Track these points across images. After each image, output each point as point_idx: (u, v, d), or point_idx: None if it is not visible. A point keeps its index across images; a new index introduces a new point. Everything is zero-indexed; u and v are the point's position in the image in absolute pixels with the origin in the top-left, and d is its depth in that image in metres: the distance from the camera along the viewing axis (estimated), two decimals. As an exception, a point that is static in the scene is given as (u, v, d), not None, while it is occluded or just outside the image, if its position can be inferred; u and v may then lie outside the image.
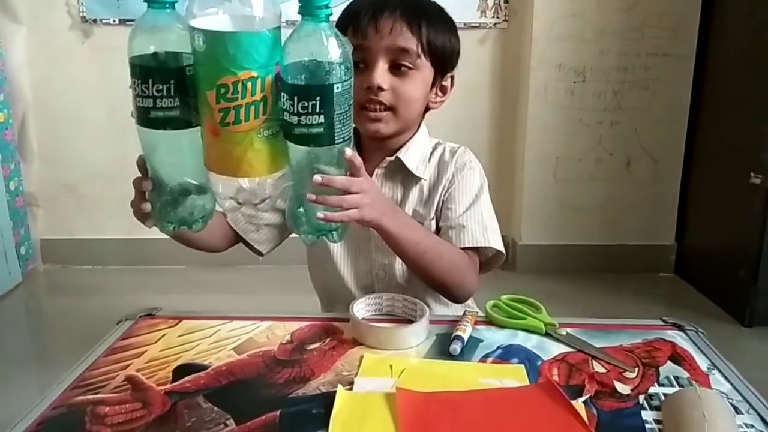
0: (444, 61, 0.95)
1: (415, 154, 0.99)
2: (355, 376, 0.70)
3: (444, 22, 0.96)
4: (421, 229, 0.92)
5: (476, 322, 0.82)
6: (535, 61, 2.32)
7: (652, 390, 0.68)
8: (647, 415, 0.64)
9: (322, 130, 0.66)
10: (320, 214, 0.71)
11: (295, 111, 0.65)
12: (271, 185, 0.71)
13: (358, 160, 0.73)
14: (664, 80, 2.33)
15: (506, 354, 0.76)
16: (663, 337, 0.80)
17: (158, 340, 0.79)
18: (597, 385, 0.69)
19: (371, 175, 0.98)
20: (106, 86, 2.42)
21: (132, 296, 2.19)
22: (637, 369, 0.72)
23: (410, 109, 0.94)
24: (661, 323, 0.85)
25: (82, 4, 2.36)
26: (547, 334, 0.80)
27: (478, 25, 2.41)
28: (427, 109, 1.00)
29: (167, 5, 0.66)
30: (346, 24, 0.92)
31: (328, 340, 0.79)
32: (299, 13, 0.65)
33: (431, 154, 1.01)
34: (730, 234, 2.17)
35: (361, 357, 0.73)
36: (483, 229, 0.96)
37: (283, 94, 0.66)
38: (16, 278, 2.35)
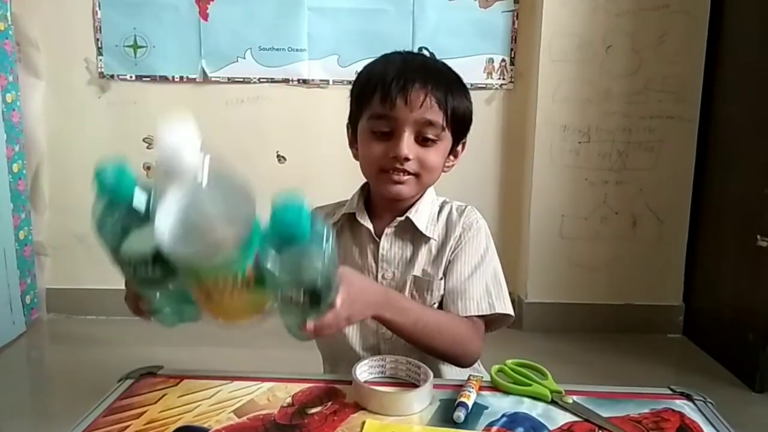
0: (462, 128, 0.98)
1: (423, 214, 1.00)
2: (358, 443, 0.68)
3: (464, 90, 0.98)
4: (418, 307, 0.93)
5: (481, 387, 0.80)
6: (541, 122, 2.36)
7: (660, 463, 0.66)
8: (655, 488, 0.62)
9: (300, 315, 0.69)
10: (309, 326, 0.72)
11: (277, 299, 0.67)
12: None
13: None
14: (668, 142, 2.36)
15: (511, 422, 0.74)
16: (671, 407, 0.78)
17: (158, 400, 0.78)
18: (604, 457, 0.67)
19: (381, 235, 1.00)
20: (119, 139, 2.48)
21: (136, 348, 2.17)
22: (645, 440, 0.71)
23: (432, 175, 0.97)
24: (669, 392, 0.83)
25: (100, 60, 2.45)
26: (554, 402, 0.78)
27: (484, 86, 2.47)
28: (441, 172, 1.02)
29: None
30: (374, 88, 0.94)
31: (329, 403, 0.77)
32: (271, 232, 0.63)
33: (439, 213, 1.03)
34: (739, 296, 2.14)
35: (363, 423, 0.72)
36: (488, 295, 0.97)
37: (261, 279, 0.65)
38: (20, 327, 2.33)
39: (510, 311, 0.98)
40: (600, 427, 0.73)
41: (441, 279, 0.99)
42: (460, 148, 1.02)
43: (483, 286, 0.97)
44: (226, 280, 0.63)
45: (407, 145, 0.91)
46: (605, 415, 0.75)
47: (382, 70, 0.95)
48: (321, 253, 0.64)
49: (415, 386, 0.79)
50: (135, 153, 2.49)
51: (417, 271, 0.99)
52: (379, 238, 1.00)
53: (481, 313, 0.95)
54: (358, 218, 1.01)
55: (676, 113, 2.34)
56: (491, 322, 0.99)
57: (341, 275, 0.74)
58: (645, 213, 2.41)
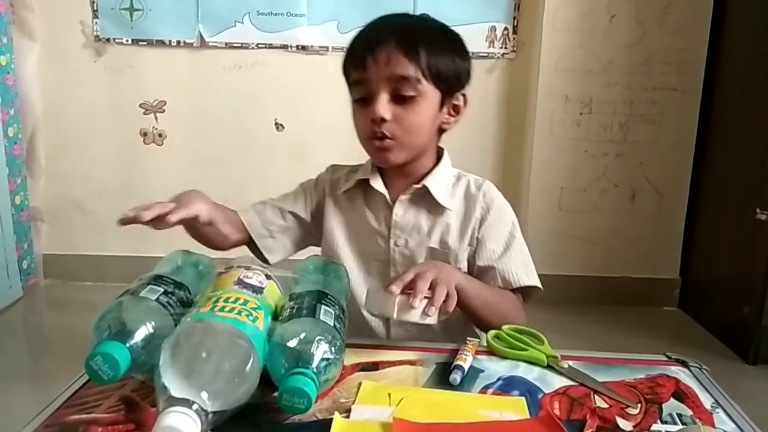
0: (450, 82, 0.94)
1: (440, 184, 0.99)
2: (353, 403, 0.68)
3: (446, 42, 0.94)
4: (474, 279, 0.94)
5: (477, 352, 0.80)
6: (542, 92, 2.34)
7: (654, 427, 0.66)
8: (650, 452, 0.62)
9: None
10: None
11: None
12: None
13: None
14: (670, 114, 2.35)
15: (507, 386, 0.74)
16: (666, 373, 0.78)
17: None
18: (599, 421, 0.67)
19: (395, 202, 0.99)
20: (115, 104, 2.45)
21: (132, 314, 2.19)
22: (639, 405, 0.71)
23: (416, 137, 0.93)
24: (665, 359, 0.83)
25: (96, 23, 2.40)
26: (549, 367, 0.78)
27: (486, 55, 2.44)
28: (441, 130, 0.99)
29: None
30: (349, 59, 0.94)
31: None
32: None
33: (455, 185, 1.02)
34: (735, 270, 2.15)
35: (359, 384, 0.72)
36: (525, 268, 0.98)
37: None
38: (16, 292, 2.34)
39: (540, 285, 1.00)
40: (595, 391, 0.73)
41: (466, 251, 0.99)
42: (460, 102, 0.98)
43: (519, 260, 0.98)
44: None
45: (382, 105, 0.89)
46: (600, 379, 0.75)
47: (357, 37, 0.94)
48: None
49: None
50: (131, 118, 2.47)
51: (434, 242, 0.98)
52: (394, 204, 0.99)
53: (522, 284, 0.97)
54: (372, 184, 0.99)
55: (678, 85, 2.33)
56: (525, 295, 1.00)
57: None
58: (644, 186, 2.40)
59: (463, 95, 0.99)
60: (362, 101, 0.93)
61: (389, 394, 0.70)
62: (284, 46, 2.40)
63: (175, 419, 0.56)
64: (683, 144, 2.37)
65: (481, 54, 2.43)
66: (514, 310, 0.96)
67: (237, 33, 2.41)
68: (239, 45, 2.42)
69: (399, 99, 0.90)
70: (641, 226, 2.43)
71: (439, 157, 1.02)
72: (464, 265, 0.99)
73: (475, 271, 0.99)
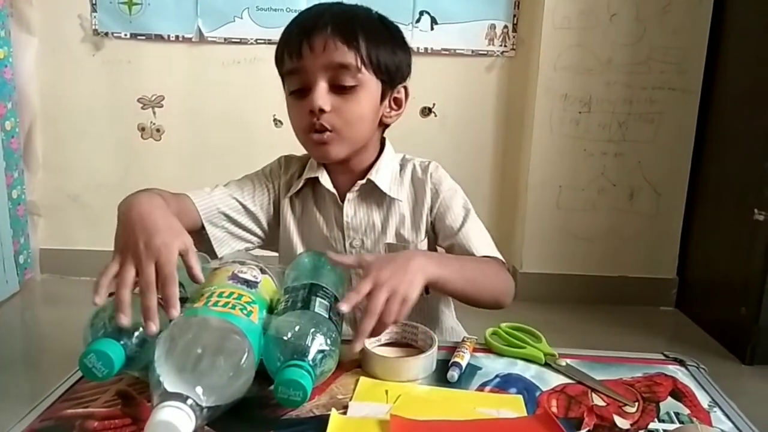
0: (390, 73, 0.90)
1: (385, 175, 0.95)
2: (350, 399, 0.68)
3: (385, 32, 0.91)
4: (451, 256, 0.91)
5: (475, 349, 0.80)
6: (541, 90, 2.34)
7: (652, 426, 0.66)
8: (647, 451, 0.62)
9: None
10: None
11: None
12: None
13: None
14: (669, 114, 2.34)
15: (504, 383, 0.74)
16: (664, 372, 0.78)
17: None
18: (596, 419, 0.67)
19: (344, 201, 0.96)
20: (113, 99, 2.44)
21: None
22: (637, 403, 0.71)
23: (357, 129, 0.89)
24: (663, 358, 0.83)
25: (94, 17, 2.39)
26: (547, 365, 0.78)
27: (485, 52, 2.43)
28: (383, 125, 0.96)
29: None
30: (282, 48, 0.89)
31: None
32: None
33: (401, 172, 0.98)
34: (733, 270, 2.15)
35: (357, 380, 0.72)
36: (484, 241, 0.95)
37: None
38: (12, 287, 2.33)
39: (500, 256, 0.95)
40: (593, 390, 0.73)
41: (423, 241, 0.96)
42: (401, 95, 0.94)
43: (476, 234, 0.95)
44: None
45: (320, 95, 0.84)
46: (598, 378, 0.75)
47: (291, 24, 0.90)
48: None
49: (417, 350, 0.78)
50: (129, 113, 2.46)
51: (390, 237, 0.96)
52: (343, 202, 0.96)
53: (495, 255, 0.93)
54: (321, 181, 0.95)
55: (678, 85, 2.32)
56: None
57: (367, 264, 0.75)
58: (643, 185, 2.40)
59: (405, 88, 0.95)
60: (298, 93, 0.88)
61: (386, 392, 0.70)
62: (283, 42, 2.39)
63: (169, 414, 0.55)
64: (682, 144, 2.37)
65: (480, 52, 2.42)
66: (500, 277, 0.91)
67: (236, 28, 2.40)
68: (238, 40, 2.41)
69: (338, 89, 0.86)
70: (639, 226, 2.43)
71: (381, 147, 0.98)
72: None
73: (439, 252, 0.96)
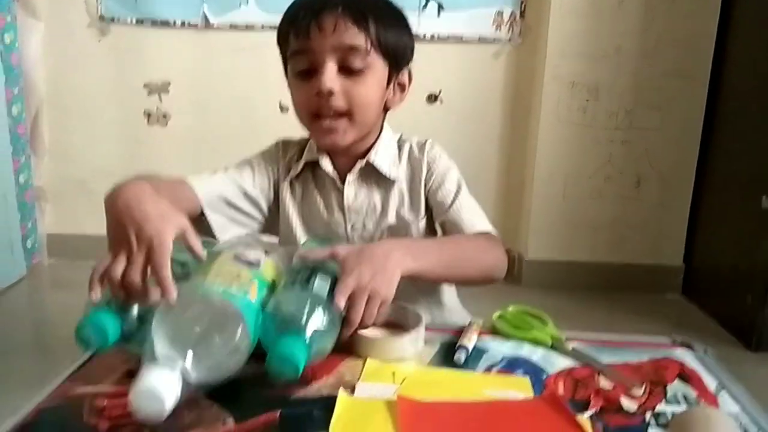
0: (397, 56, 0.89)
1: (385, 156, 0.95)
2: (358, 380, 0.68)
3: (393, 15, 0.90)
4: (430, 242, 0.90)
5: (481, 332, 0.80)
6: (549, 78, 2.32)
7: (659, 408, 0.66)
8: (654, 432, 0.62)
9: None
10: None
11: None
12: None
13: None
14: (677, 101, 2.32)
15: (511, 366, 0.74)
16: (671, 356, 0.78)
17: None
18: (603, 401, 0.67)
19: (344, 183, 0.95)
20: (119, 84, 2.44)
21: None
22: (644, 386, 0.71)
23: (367, 113, 0.88)
24: (670, 341, 0.83)
25: (100, 2, 2.38)
26: (554, 348, 0.78)
27: (492, 39, 2.41)
28: (386, 108, 0.95)
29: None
30: (287, 26, 0.87)
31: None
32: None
33: (399, 152, 0.97)
34: (739, 258, 2.14)
35: (364, 361, 0.72)
36: (478, 216, 0.94)
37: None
38: (20, 271, 2.35)
39: (494, 231, 0.95)
40: (599, 372, 0.73)
41: (422, 219, 0.96)
42: (405, 79, 0.93)
43: (469, 209, 0.94)
44: None
45: (329, 77, 0.83)
46: (605, 361, 0.75)
47: (296, 5, 0.88)
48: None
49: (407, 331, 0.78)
50: (135, 99, 2.46)
51: (390, 218, 0.95)
52: (344, 184, 0.95)
53: (473, 231, 0.92)
54: (322, 165, 0.94)
55: (686, 72, 2.30)
56: None
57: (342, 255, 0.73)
58: (650, 173, 2.39)
59: (409, 72, 0.94)
60: (304, 74, 0.86)
61: (393, 373, 0.70)
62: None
63: (155, 378, 0.56)
64: (690, 131, 2.35)
65: (487, 39, 2.40)
66: (489, 253, 0.89)
67: (242, 14, 2.39)
68: (244, 26, 2.40)
69: (346, 71, 0.84)
70: (646, 213, 2.42)
71: (380, 129, 0.97)
72: (421, 234, 0.96)
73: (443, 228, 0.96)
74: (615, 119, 2.34)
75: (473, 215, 0.94)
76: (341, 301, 0.69)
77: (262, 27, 2.38)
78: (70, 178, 2.52)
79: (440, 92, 2.46)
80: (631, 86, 2.31)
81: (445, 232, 0.96)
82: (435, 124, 2.40)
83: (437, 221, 0.97)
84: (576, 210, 2.42)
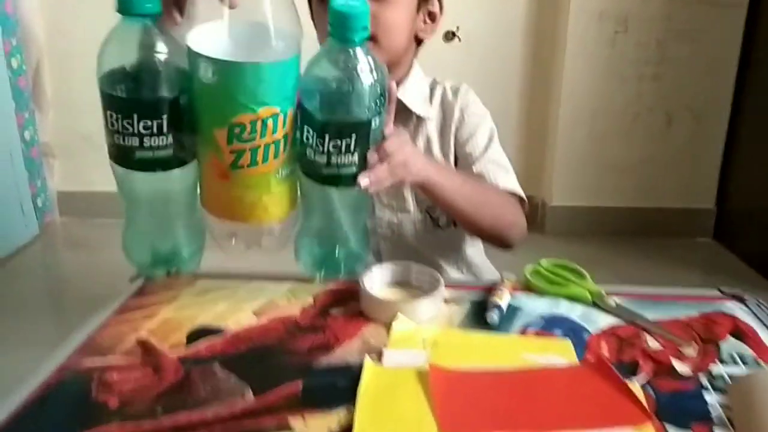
0: None
1: (414, 93, 0.91)
2: (384, 346, 0.63)
3: None
4: (456, 172, 0.86)
5: (514, 289, 0.75)
6: (575, 9, 2.19)
7: (713, 368, 0.61)
8: (711, 397, 0.56)
9: (354, 170, 0.60)
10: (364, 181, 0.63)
11: (325, 150, 0.58)
12: (283, 226, 0.65)
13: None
14: (711, 31, 2.19)
15: (549, 325, 0.69)
16: (722, 310, 0.72)
17: (173, 300, 0.73)
18: (652, 363, 0.62)
19: None
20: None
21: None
22: (695, 344, 0.65)
23: (395, 38, 0.84)
24: (719, 294, 0.77)
25: (95, -56, 2.26)
26: (594, 304, 0.72)
27: (512, -30, 2.27)
28: (418, 41, 0.91)
29: (148, 18, 0.54)
30: None
31: (352, 302, 0.72)
32: (330, 35, 0.57)
33: (431, 93, 0.93)
34: (775, 199, 2.07)
35: (389, 325, 0.67)
36: (504, 171, 0.90)
37: (307, 128, 0.58)
38: (33, 230, 2.33)
39: (524, 195, 0.91)
40: (646, 330, 0.67)
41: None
42: (436, 8, 0.89)
43: (495, 162, 0.90)
44: (266, 127, 0.56)
45: None
46: (650, 317, 0.69)
47: None
48: (369, 86, 0.58)
49: (419, 290, 0.74)
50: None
51: None
52: None
53: (513, 190, 0.89)
54: None
55: (722, -1, 2.16)
56: None
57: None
58: (681, 110, 2.29)
59: (440, 0, 0.90)
60: None
61: (423, 339, 0.65)
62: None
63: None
64: (724, 64, 2.23)
65: (507, -31, 2.26)
66: (508, 209, 0.87)
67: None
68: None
69: None
70: (676, 154, 2.33)
71: (410, 66, 0.93)
72: None
73: None
74: (645, 52, 2.22)
75: (499, 172, 0.90)
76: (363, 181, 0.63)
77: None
78: (76, 132, 2.46)
79: (458, 29, 2.33)
80: (663, 15, 2.18)
81: None
82: (453, 63, 2.29)
83: (465, 170, 0.92)
84: (603, 151, 2.34)
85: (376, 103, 0.59)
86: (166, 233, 0.66)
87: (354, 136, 0.58)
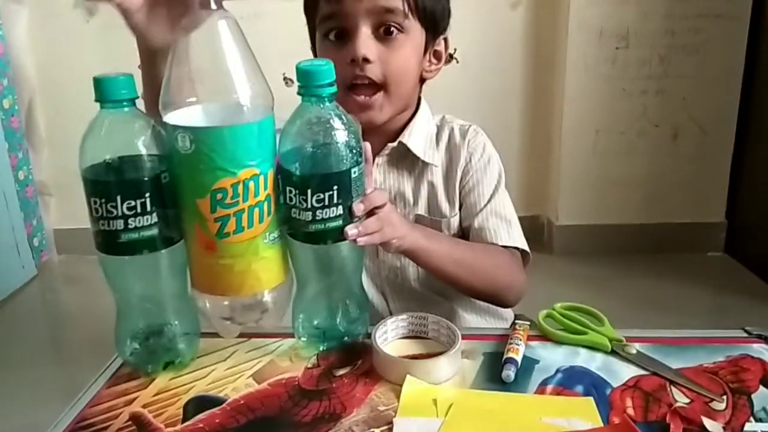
0: (435, 20, 0.83)
1: (419, 137, 0.87)
2: (394, 413, 0.59)
3: None
4: (444, 236, 0.84)
5: (529, 337, 0.70)
6: (574, 26, 2.17)
7: (748, 427, 0.56)
8: (747, 460, 0.52)
9: (341, 222, 0.59)
10: (358, 239, 0.63)
11: (309, 206, 0.58)
12: (276, 295, 0.64)
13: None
14: (715, 44, 2.17)
15: (568, 380, 0.64)
16: (749, 353, 0.68)
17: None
18: (681, 422, 0.57)
19: (372, 165, 0.87)
20: (113, 66, 2.31)
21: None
22: (725, 397, 0.61)
23: (404, 83, 0.82)
24: (744, 335, 0.72)
25: (84, -21, 2.26)
26: (614, 352, 0.68)
27: (509, -12, 2.26)
28: (422, 80, 0.88)
29: (125, 103, 0.56)
30: None
31: (359, 362, 0.68)
32: (299, 93, 0.60)
33: (438, 135, 0.90)
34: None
35: (400, 385, 0.63)
36: (507, 225, 0.86)
37: (288, 188, 0.58)
38: (30, 271, 2.31)
39: (527, 248, 0.88)
40: (671, 382, 0.63)
41: (455, 216, 0.88)
42: (441, 48, 0.87)
43: (499, 216, 0.87)
44: (247, 189, 0.57)
45: (364, 42, 0.77)
46: (675, 365, 0.65)
47: None
48: (346, 140, 0.60)
49: (432, 341, 0.70)
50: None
51: (421, 207, 0.88)
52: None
53: (497, 244, 0.85)
54: None
55: (724, 11, 2.14)
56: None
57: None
58: (687, 124, 2.26)
59: (445, 39, 0.88)
60: (335, 42, 0.80)
61: (435, 401, 0.61)
62: (287, -8, 2.24)
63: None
64: (730, 76, 2.21)
65: (503, -13, 2.24)
66: (504, 270, 0.84)
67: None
68: (240, -6, 2.26)
69: (382, 37, 0.78)
70: (684, 168, 2.30)
71: (417, 106, 0.90)
72: (455, 230, 0.90)
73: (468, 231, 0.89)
74: (648, 67, 2.20)
75: (501, 226, 0.86)
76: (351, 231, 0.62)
77: (260, -6, 2.24)
78: (71, 169, 2.42)
79: (455, 51, 2.31)
80: (665, 30, 2.16)
81: (466, 238, 0.89)
82: (451, 87, 2.26)
83: (462, 224, 0.89)
84: (609, 168, 2.31)
85: (352, 152, 0.60)
86: (158, 321, 0.64)
87: (336, 187, 0.59)
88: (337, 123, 0.59)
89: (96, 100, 0.57)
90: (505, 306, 0.87)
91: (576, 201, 2.35)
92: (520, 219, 0.91)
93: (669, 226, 2.34)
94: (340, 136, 0.59)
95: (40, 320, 2.15)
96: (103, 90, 0.57)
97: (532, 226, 2.32)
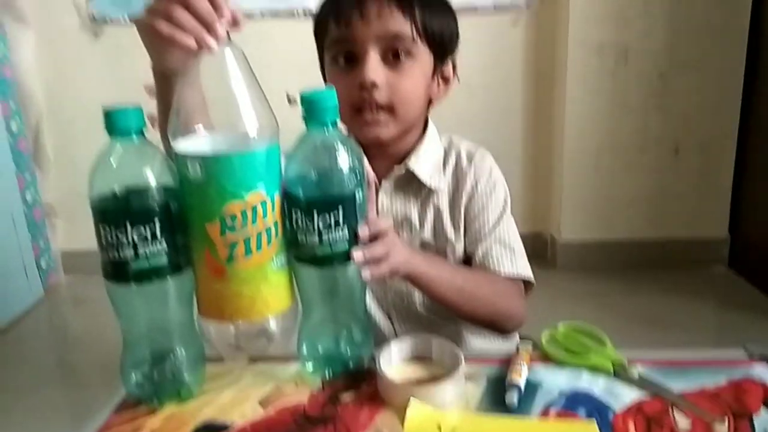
0: (443, 45, 0.84)
1: (427, 162, 0.88)
2: (399, 440, 0.60)
3: (438, 1, 0.85)
4: (446, 263, 0.85)
5: (531, 359, 0.71)
6: (573, 43, 2.18)
7: (749, 450, 0.57)
8: (751, 487, 0.53)
9: (347, 246, 0.61)
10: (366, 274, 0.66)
11: (315, 228, 0.59)
12: (282, 320, 0.65)
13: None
14: (715, 59, 2.18)
15: (571, 403, 0.65)
16: (751, 376, 0.68)
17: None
18: (684, 446, 0.58)
19: (378, 191, 0.89)
20: (119, 88, 2.35)
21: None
22: (727, 420, 0.61)
23: (411, 107, 0.83)
24: (746, 356, 0.73)
25: (90, 3, 2.29)
26: (616, 375, 0.68)
27: (508, 6, 2.29)
28: (429, 102, 0.89)
29: (134, 134, 0.58)
30: (327, 14, 0.82)
31: (364, 386, 0.69)
32: (304, 118, 0.62)
33: (445, 159, 0.90)
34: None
35: (404, 411, 0.63)
36: (510, 253, 0.86)
37: (294, 211, 0.60)
38: (37, 293, 2.31)
39: (532, 277, 0.88)
40: (674, 405, 0.63)
41: (461, 241, 0.89)
42: (450, 71, 0.88)
43: (503, 244, 0.87)
44: (256, 213, 0.59)
45: (372, 67, 0.78)
46: (677, 388, 0.66)
47: None
48: (349, 164, 0.62)
49: (435, 364, 0.71)
50: (138, 101, 2.38)
51: (427, 232, 0.89)
52: (377, 191, 0.89)
53: (500, 272, 0.85)
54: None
55: (723, 26, 2.15)
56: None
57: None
58: (688, 140, 2.27)
59: (453, 63, 0.88)
60: (344, 65, 0.81)
61: (439, 426, 0.61)
62: (291, 14, 2.27)
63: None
64: (730, 91, 2.21)
65: (503, 6, 2.27)
66: (505, 299, 0.85)
67: (239, 2, 2.27)
68: (242, 15, 2.29)
69: (390, 62, 0.80)
70: (686, 184, 2.30)
71: (424, 128, 0.91)
72: (460, 256, 0.90)
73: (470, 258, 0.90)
74: (648, 84, 2.21)
75: (504, 254, 0.87)
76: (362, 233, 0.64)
77: (262, 15, 2.27)
78: (79, 190, 2.46)
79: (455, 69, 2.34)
80: (664, 46, 2.17)
81: (470, 264, 0.90)
82: (452, 105, 2.27)
83: (467, 250, 0.90)
84: (611, 185, 2.31)
85: (356, 176, 0.62)
86: (164, 349, 0.65)
87: (341, 208, 0.60)
88: (340, 147, 0.61)
89: (106, 130, 0.58)
90: (503, 333, 0.87)
91: (578, 217, 2.35)
92: (523, 236, 0.91)
93: (671, 241, 2.34)
94: (344, 160, 0.61)
95: (47, 343, 2.15)
96: (113, 121, 0.58)
97: (534, 243, 2.32)
